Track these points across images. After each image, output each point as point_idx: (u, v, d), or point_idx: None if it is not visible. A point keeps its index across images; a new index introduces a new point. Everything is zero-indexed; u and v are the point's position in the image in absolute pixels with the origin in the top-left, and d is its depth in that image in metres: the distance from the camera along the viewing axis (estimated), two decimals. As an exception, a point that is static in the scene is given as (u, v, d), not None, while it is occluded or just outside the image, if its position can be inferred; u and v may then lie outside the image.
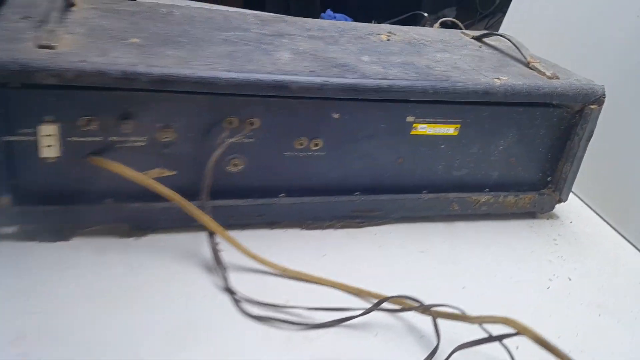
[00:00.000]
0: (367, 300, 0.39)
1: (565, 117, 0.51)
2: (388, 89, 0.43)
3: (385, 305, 0.38)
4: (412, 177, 0.49)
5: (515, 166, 0.52)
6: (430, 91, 0.44)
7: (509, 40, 0.56)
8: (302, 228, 0.47)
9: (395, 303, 0.38)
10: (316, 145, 0.45)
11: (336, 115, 0.44)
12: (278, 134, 0.43)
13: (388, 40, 0.55)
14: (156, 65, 0.38)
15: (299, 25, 0.54)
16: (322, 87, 0.41)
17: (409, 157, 0.48)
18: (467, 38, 0.61)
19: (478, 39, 0.61)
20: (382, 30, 0.58)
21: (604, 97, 0.50)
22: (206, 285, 0.38)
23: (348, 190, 0.48)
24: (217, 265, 0.39)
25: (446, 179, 0.51)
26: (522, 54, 0.54)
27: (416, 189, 0.50)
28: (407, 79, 0.44)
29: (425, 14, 1.21)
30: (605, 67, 0.61)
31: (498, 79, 0.47)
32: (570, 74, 0.52)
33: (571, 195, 0.53)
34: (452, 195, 0.51)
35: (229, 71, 0.39)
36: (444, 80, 0.45)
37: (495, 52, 0.57)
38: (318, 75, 0.42)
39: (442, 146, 0.49)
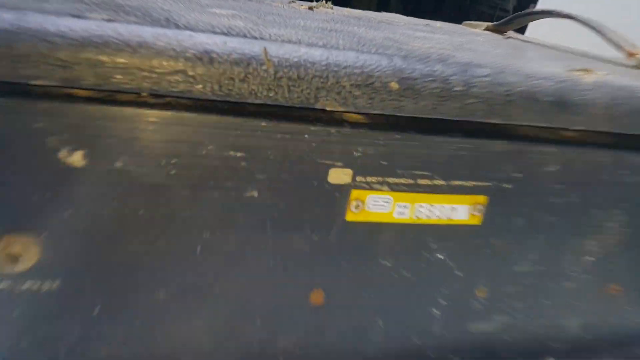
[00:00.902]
0: None
1: None
2: (248, 64, 0.12)
3: None
4: (357, 337, 0.17)
5: (620, 300, 0.20)
6: (394, 83, 0.14)
7: (571, 17, 0.26)
8: None
9: None
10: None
11: (78, 162, 0.13)
12: None
13: (310, 9, 0.25)
14: None
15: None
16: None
17: (341, 288, 0.16)
18: (477, 30, 0.32)
19: (497, 29, 0.31)
20: (315, 5, 0.29)
21: None
22: None
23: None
24: None
25: (454, 339, 0.18)
26: (608, 38, 0.24)
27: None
28: (318, 46, 0.14)
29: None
30: None
31: (585, 70, 0.17)
32: None
33: None
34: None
35: None
36: (436, 60, 0.15)
37: (538, 46, 0.27)
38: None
39: (439, 255, 0.17)
